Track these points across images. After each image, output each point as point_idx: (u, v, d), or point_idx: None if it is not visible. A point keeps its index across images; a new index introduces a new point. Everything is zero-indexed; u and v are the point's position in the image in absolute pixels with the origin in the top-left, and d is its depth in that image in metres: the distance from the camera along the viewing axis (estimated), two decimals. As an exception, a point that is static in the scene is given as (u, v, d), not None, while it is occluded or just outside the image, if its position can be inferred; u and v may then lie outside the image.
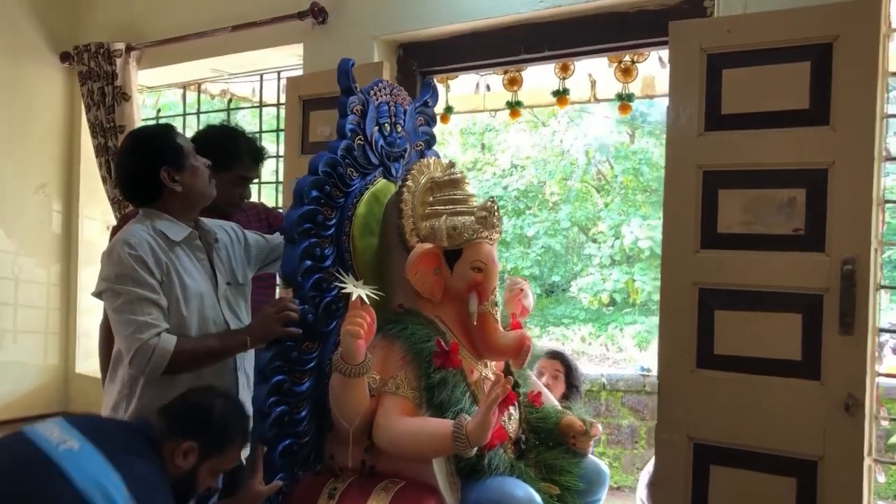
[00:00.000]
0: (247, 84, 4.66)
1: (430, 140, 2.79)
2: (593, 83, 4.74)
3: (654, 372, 8.28)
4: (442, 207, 2.37)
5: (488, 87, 4.17)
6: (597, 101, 4.93)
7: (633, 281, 12.98)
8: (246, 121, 8.91)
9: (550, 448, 2.43)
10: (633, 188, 13.68)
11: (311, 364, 2.29)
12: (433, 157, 2.61)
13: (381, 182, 2.52)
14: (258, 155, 2.72)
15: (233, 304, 2.34)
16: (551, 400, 2.68)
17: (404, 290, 2.35)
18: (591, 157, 13.94)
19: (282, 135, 4.19)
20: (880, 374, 2.45)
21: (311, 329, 2.26)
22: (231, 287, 2.35)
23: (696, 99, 2.57)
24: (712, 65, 2.55)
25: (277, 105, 4.20)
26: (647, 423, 7.31)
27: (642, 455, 7.06)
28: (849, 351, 2.35)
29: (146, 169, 2.19)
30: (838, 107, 2.37)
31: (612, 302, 13.32)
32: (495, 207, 2.32)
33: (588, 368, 7.96)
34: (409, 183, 2.41)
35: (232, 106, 4.93)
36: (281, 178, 3.99)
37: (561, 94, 3.44)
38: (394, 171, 2.57)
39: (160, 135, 2.26)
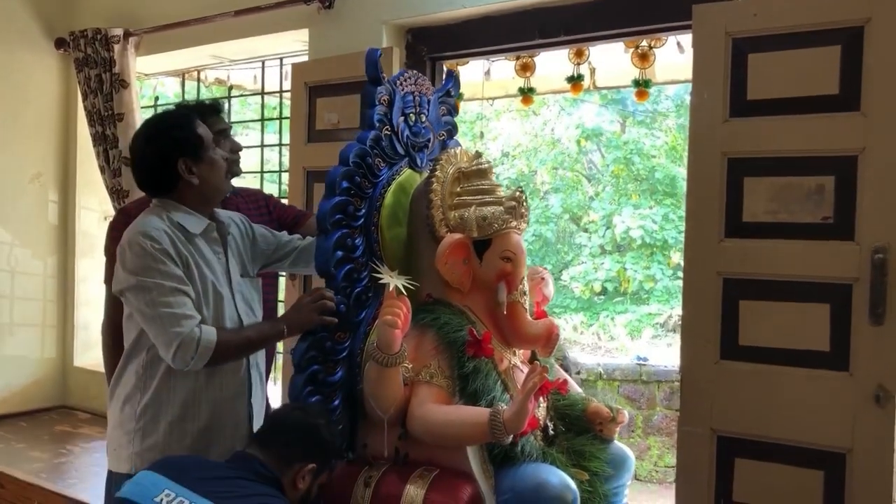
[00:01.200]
0: (247, 71, 4.57)
1: (452, 129, 2.76)
2: (592, 70, 4.69)
3: (651, 361, 8.30)
4: (470, 198, 2.37)
5: (487, 75, 4.11)
6: (596, 88, 4.88)
7: (625, 270, 12.99)
8: (245, 109, 8.87)
9: (578, 435, 2.44)
10: (625, 178, 13.68)
11: (344, 354, 2.29)
12: (459, 148, 2.57)
13: (407, 172, 2.51)
14: (211, 109, 2.48)
15: (247, 298, 2.29)
16: (575, 388, 2.64)
17: (433, 280, 2.33)
18: (582, 146, 13.92)
19: (284, 123, 4.13)
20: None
21: (344, 319, 2.26)
22: (244, 280, 2.30)
23: (720, 84, 2.51)
24: (738, 49, 2.49)
25: (280, 92, 4.11)
26: (643, 412, 7.30)
27: (638, 444, 7.05)
28: (879, 341, 2.31)
29: (163, 158, 2.13)
30: (869, 92, 2.32)
31: (604, 291, 13.31)
32: (523, 197, 2.32)
33: (583, 358, 7.94)
34: (437, 173, 2.37)
35: (227, 93, 4.85)
36: (285, 168, 3.91)
37: (576, 81, 3.37)
38: (419, 162, 2.55)
39: (180, 123, 2.18)
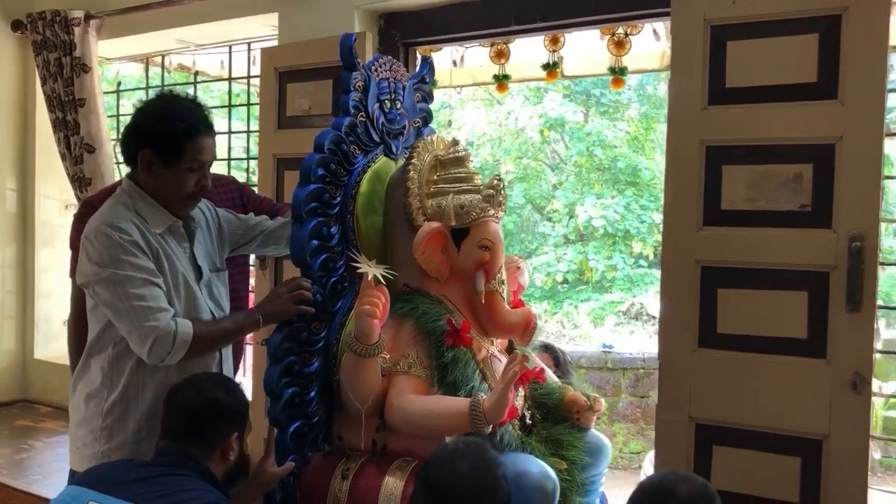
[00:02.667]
0: (213, 57, 4.47)
1: (427, 117, 2.74)
2: (560, 59, 4.67)
3: (616, 349, 8.37)
4: (448, 186, 2.35)
5: (455, 63, 4.06)
6: (563, 77, 4.88)
7: (588, 260, 13.08)
8: (206, 96, 8.70)
9: (555, 423, 2.42)
10: (587, 168, 13.76)
11: (320, 344, 2.27)
12: (435, 135, 2.55)
13: (382, 160, 2.49)
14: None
15: (215, 293, 2.25)
16: (551, 376, 2.63)
17: (409, 269, 2.31)
18: (545, 136, 13.96)
19: (252, 109, 4.05)
20: (878, 351, 2.43)
21: (319, 309, 2.24)
22: (213, 275, 2.25)
23: (699, 72, 2.50)
24: (716, 37, 2.48)
25: (248, 78, 4.03)
26: (608, 399, 7.35)
27: (604, 430, 7.10)
28: (856, 329, 2.32)
29: (133, 135, 2.07)
30: (846, 80, 2.32)
31: (566, 280, 13.39)
32: (501, 185, 2.30)
33: (547, 346, 7.96)
34: (414, 161, 2.35)
35: (191, 79, 4.73)
36: (253, 155, 3.84)
37: (551, 68, 3.34)
38: (394, 149, 2.53)
39: (175, 121, 2.05)
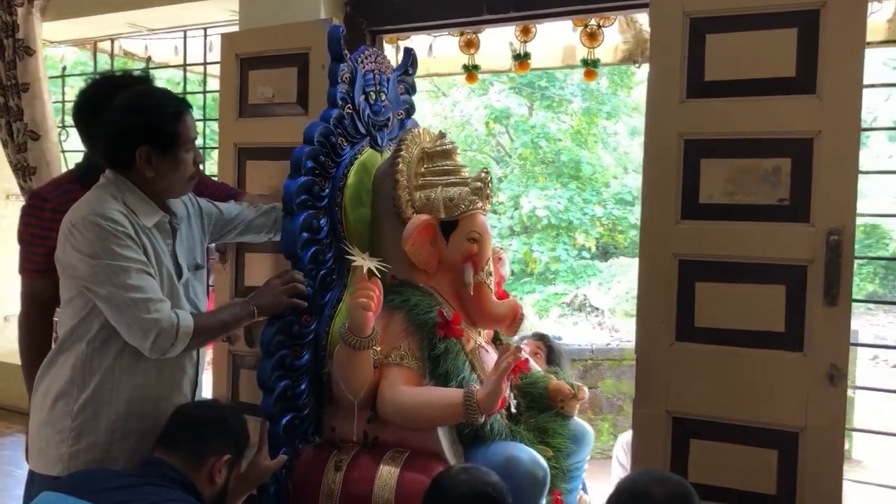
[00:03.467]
0: (166, 42, 4.31)
1: (411, 109, 2.79)
2: (514, 52, 4.65)
3: (564, 340, 8.43)
4: (436, 178, 2.38)
5: (430, 51, 4.00)
6: (516, 71, 4.85)
7: (532, 251, 13.17)
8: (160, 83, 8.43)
9: (540, 412, 2.49)
10: (532, 160, 13.84)
11: (310, 337, 2.31)
12: (422, 127, 2.56)
13: (368, 151, 2.51)
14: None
15: (190, 292, 2.16)
16: (534, 365, 2.64)
17: (397, 262, 2.32)
18: (491, 128, 13.99)
19: (209, 98, 3.92)
20: (855, 344, 2.46)
21: (310, 302, 2.27)
22: (191, 273, 2.17)
23: (677, 65, 2.49)
24: (696, 29, 2.47)
25: (205, 64, 3.89)
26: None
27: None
28: (833, 322, 2.34)
29: (125, 137, 1.97)
30: (825, 75, 2.33)
31: (511, 272, 13.44)
32: (489, 178, 2.34)
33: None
34: (403, 153, 2.36)
35: (136, 66, 4.55)
36: (209, 144, 3.71)
37: (522, 59, 3.30)
38: (380, 141, 2.55)
39: (163, 109, 2.00)
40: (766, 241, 2.41)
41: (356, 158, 2.43)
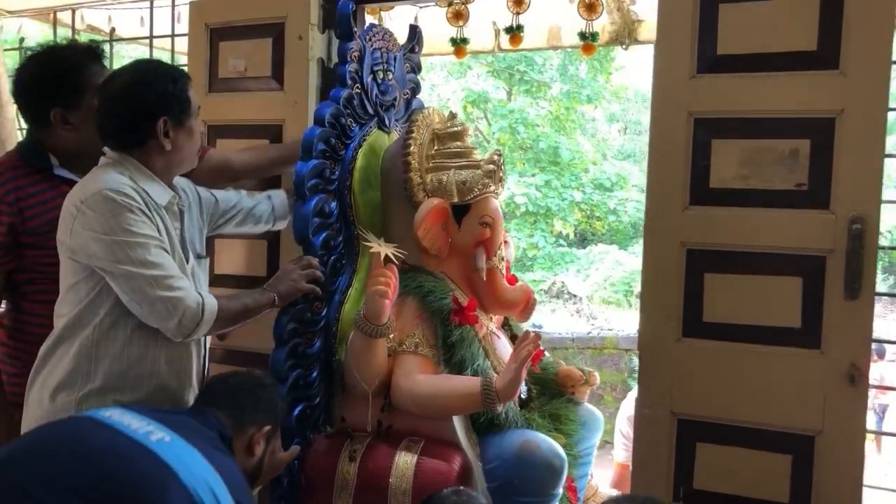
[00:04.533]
0: (131, 13, 4.03)
1: (416, 88, 2.72)
2: (497, 32, 4.47)
3: (544, 328, 8.27)
4: (447, 161, 2.34)
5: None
6: (501, 50, 4.68)
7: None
8: (126, 57, 8.13)
9: (551, 398, 2.49)
10: (510, 146, 13.71)
11: (321, 324, 2.29)
12: (431, 108, 2.51)
13: (375, 133, 2.46)
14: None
15: (200, 281, 2.08)
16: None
17: (408, 246, 2.26)
18: (468, 112, 13.84)
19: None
20: (874, 340, 2.29)
21: (322, 288, 2.25)
22: (195, 261, 2.07)
23: (688, 38, 2.30)
24: (707, -1, 2.27)
25: (172, 36, 3.63)
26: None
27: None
28: (853, 317, 2.17)
29: (145, 110, 1.90)
30: (849, 48, 2.15)
31: (489, 259, 13.26)
32: (501, 161, 2.29)
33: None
34: (414, 135, 2.30)
35: (92, 38, 4.27)
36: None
37: (515, 32, 3.09)
38: (387, 121, 2.48)
39: (175, 78, 1.96)
40: (781, 230, 2.23)
41: (364, 140, 2.39)
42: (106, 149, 1.98)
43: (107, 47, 3.57)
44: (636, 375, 7.82)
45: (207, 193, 2.24)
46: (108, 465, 1.49)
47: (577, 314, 11.69)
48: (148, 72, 1.98)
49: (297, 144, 2.34)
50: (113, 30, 3.89)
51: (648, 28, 4.12)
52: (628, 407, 3.61)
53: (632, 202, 15.52)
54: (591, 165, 15.07)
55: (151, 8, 3.73)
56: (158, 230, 1.89)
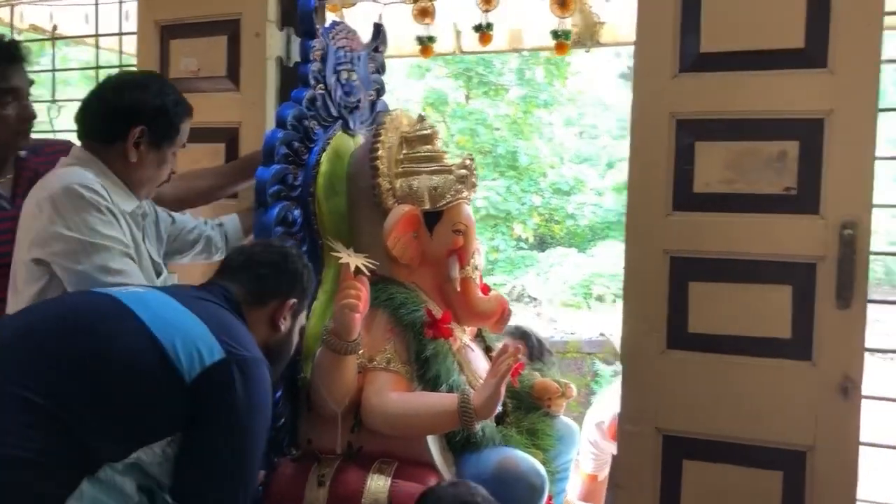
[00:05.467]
0: (75, 10, 3.82)
1: (381, 89, 2.63)
2: (458, 33, 4.38)
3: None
4: (418, 165, 2.25)
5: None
6: (462, 52, 4.59)
7: (470, 242, 12.99)
8: (71, 60, 7.85)
9: (527, 412, 2.41)
10: (470, 149, 13.66)
11: None
12: (398, 110, 2.41)
13: (340, 136, 2.37)
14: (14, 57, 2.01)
15: None
16: None
17: (376, 255, 2.11)
18: (428, 115, 13.77)
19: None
20: (868, 350, 2.20)
21: None
22: (158, 279, 1.96)
23: (669, 34, 2.19)
24: (689, -7, 2.17)
25: (120, 35, 3.44)
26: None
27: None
28: (845, 327, 2.07)
29: (124, 109, 1.87)
30: (838, 46, 2.06)
31: (449, 263, 13.22)
32: (474, 165, 2.20)
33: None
34: (382, 138, 2.19)
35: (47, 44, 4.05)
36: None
37: (484, 31, 2.97)
38: (352, 124, 2.39)
39: (174, 101, 1.93)
40: (769, 236, 2.13)
41: (328, 144, 2.29)
42: (75, 147, 1.93)
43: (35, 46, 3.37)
44: (599, 380, 7.75)
45: (163, 213, 2.17)
46: (68, 313, 1.49)
47: (538, 317, 11.65)
48: (153, 81, 1.96)
49: (252, 156, 2.25)
50: (55, 28, 3.67)
51: (611, 30, 4.05)
52: (596, 413, 3.48)
53: (589, 206, 15.58)
54: (549, 169, 15.12)
55: (97, 4, 3.53)
56: (127, 234, 1.84)
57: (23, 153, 2.12)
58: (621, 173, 16.80)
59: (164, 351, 1.42)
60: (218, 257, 2.29)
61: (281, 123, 2.15)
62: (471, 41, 4.37)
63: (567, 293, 12.75)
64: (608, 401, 3.34)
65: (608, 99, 18.88)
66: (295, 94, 2.22)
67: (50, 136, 3.46)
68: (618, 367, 8.25)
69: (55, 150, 2.22)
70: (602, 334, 8.81)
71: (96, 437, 1.37)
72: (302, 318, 1.88)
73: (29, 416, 1.33)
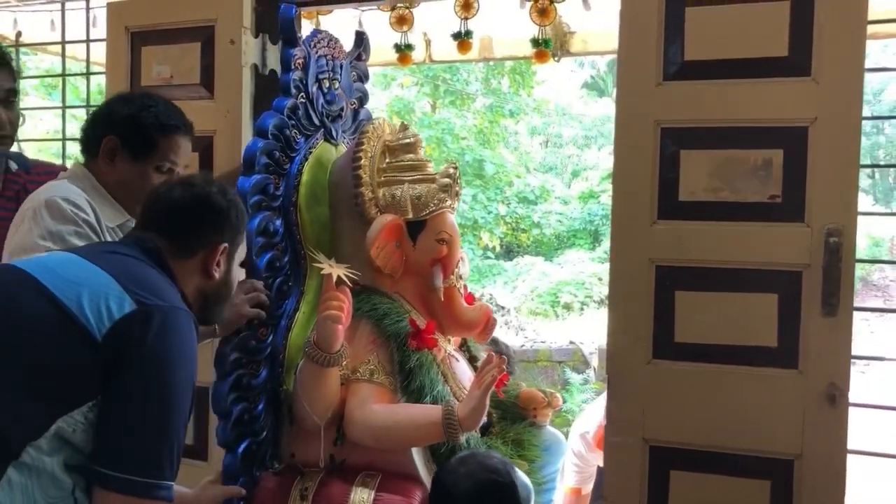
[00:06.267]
0: (40, 16, 3.72)
1: (364, 97, 2.59)
2: (428, 42, 4.36)
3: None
4: (400, 174, 2.23)
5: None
6: (432, 62, 4.58)
7: (437, 251, 12.96)
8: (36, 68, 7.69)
9: (512, 423, 2.38)
10: (437, 159, 13.65)
11: (267, 352, 2.15)
12: (381, 118, 2.38)
13: (322, 145, 2.34)
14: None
15: None
16: None
17: (359, 265, 2.09)
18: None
19: (94, 80, 3.41)
20: (855, 357, 2.20)
21: (268, 313, 2.11)
22: None
23: (653, 42, 2.17)
24: (674, 1, 2.16)
25: (87, 42, 3.35)
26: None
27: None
28: (831, 335, 2.07)
29: (101, 120, 1.93)
30: (821, 54, 2.06)
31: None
32: (457, 174, 2.25)
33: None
34: (364, 147, 2.17)
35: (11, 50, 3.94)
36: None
37: (463, 38, 2.94)
38: (334, 133, 2.35)
39: (152, 115, 1.91)
40: (755, 244, 2.12)
41: (310, 153, 2.27)
42: (74, 162, 1.99)
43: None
44: (569, 388, 7.72)
45: None
46: None
47: (506, 325, 11.65)
48: (143, 97, 1.97)
49: (234, 170, 2.22)
50: (19, 34, 3.56)
51: (580, 40, 4.05)
52: (581, 424, 3.47)
53: (555, 214, 15.65)
54: (515, 178, 15.17)
55: (63, 11, 3.44)
56: None
57: (14, 167, 2.15)
58: (587, 182, 16.93)
59: (69, 310, 1.35)
60: None
61: (262, 133, 2.12)
62: (441, 50, 4.37)
63: (535, 301, 12.77)
64: (594, 412, 3.32)
65: (573, 108, 19.02)
66: (276, 102, 2.18)
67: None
68: (588, 375, 8.27)
69: (46, 171, 2.26)
70: (572, 342, 8.83)
71: (9, 416, 1.31)
72: (240, 255, 1.77)
73: None
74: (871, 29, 2.08)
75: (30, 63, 8.26)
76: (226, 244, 1.67)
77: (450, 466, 1.91)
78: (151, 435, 1.40)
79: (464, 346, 2.47)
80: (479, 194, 13.92)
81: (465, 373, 2.30)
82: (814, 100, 2.07)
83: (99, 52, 3.13)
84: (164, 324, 1.41)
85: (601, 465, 3.25)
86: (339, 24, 3.27)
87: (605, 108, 19.02)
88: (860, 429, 2.43)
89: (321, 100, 2.31)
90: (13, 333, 1.36)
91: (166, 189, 1.70)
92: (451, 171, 2.22)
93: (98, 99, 3.35)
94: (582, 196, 16.44)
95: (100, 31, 3.12)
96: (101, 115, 1.94)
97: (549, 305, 12.56)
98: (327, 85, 2.33)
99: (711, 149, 2.15)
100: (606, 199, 15.34)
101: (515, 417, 2.40)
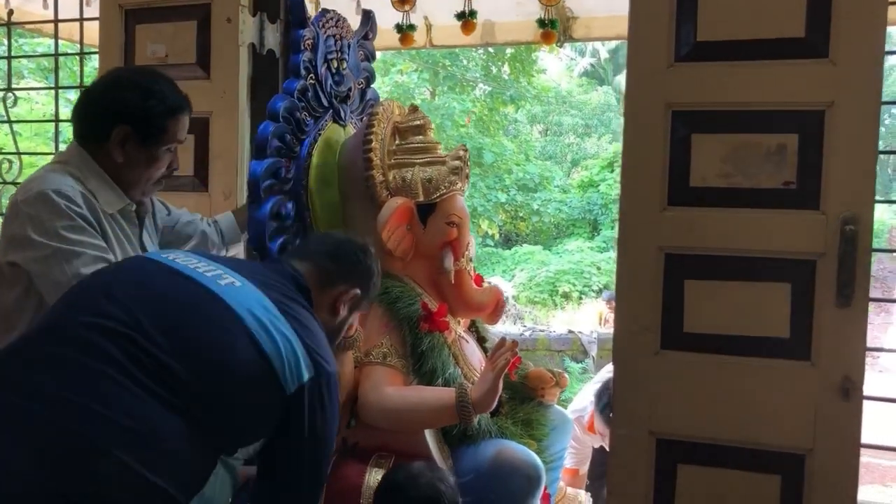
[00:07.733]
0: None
1: (371, 77, 2.58)
2: (429, 27, 4.31)
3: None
4: (411, 157, 2.23)
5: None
6: (433, 46, 4.53)
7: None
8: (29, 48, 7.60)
9: (521, 402, 2.39)
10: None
11: None
12: (389, 100, 2.37)
13: (331, 127, 2.34)
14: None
15: None
16: None
17: None
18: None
19: (88, 60, 3.34)
20: (870, 349, 2.14)
21: None
22: None
23: (664, 23, 2.10)
24: (686, -20, 2.09)
25: (81, 20, 3.28)
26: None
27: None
28: (846, 326, 2.01)
29: (108, 110, 1.86)
30: (840, 35, 1.99)
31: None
32: (467, 156, 2.23)
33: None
34: (375, 129, 2.15)
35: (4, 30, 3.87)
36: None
37: (467, 18, 2.87)
38: (342, 114, 2.34)
39: (159, 99, 1.89)
40: (768, 232, 2.06)
41: (319, 135, 2.28)
42: (70, 144, 1.92)
43: None
44: (569, 376, 7.72)
45: (160, 203, 2.18)
46: (177, 312, 1.47)
47: (505, 314, 11.66)
48: (145, 81, 1.91)
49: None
50: (11, 13, 3.48)
51: (583, 25, 3.98)
52: (576, 407, 3.47)
53: (554, 203, 15.61)
54: (515, 166, 15.12)
55: (56, -12, 3.36)
56: (105, 236, 1.82)
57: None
58: (586, 171, 16.90)
59: (272, 364, 1.47)
60: (214, 253, 2.24)
61: (273, 116, 2.11)
62: (442, 35, 4.31)
63: (533, 290, 12.77)
64: (588, 394, 3.30)
65: (573, 97, 18.95)
66: (287, 85, 2.18)
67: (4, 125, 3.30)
68: (587, 363, 8.24)
69: None
70: (570, 331, 8.81)
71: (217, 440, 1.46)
72: (356, 317, 1.88)
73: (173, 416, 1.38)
74: (891, 13, 2.00)
75: (25, 46, 8.17)
76: (359, 291, 1.80)
77: (406, 471, 1.91)
78: (309, 485, 1.62)
79: (472, 328, 2.47)
80: (479, 182, 13.88)
81: (474, 354, 2.31)
82: (831, 83, 2.00)
83: (94, 34, 3.06)
84: (332, 390, 1.59)
85: (595, 446, 3.23)
86: (339, 6, 3.21)
87: (606, 97, 18.93)
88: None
89: (330, 81, 2.30)
90: (230, 375, 1.45)
91: (334, 233, 1.94)
92: (462, 153, 2.21)
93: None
94: (581, 185, 16.41)
95: (94, 9, 3.05)
96: (108, 103, 1.88)
97: (547, 294, 12.56)
98: (335, 66, 2.32)
99: (724, 133, 2.08)
100: (606, 188, 15.29)
101: (524, 397, 2.41)
